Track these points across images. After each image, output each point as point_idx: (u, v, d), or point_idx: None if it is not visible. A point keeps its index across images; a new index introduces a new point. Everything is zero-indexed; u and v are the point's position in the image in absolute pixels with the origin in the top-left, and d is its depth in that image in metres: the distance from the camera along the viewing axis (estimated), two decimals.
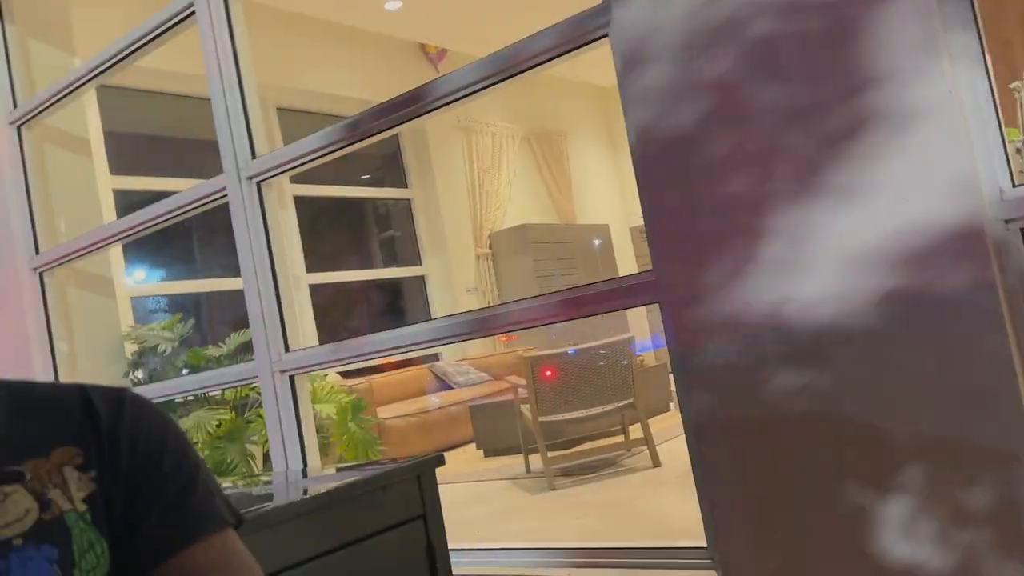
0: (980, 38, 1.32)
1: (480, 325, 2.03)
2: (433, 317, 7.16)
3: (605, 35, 1.68)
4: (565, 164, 8.85)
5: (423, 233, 7.59)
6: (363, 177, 7.58)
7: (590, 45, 1.75)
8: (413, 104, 2.05)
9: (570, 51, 1.78)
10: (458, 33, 7.06)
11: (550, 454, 4.16)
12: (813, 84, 1.45)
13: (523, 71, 1.87)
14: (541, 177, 8.63)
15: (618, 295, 1.76)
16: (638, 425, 4.24)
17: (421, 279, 7.57)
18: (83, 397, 0.68)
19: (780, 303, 1.47)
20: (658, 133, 1.60)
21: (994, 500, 1.29)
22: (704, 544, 1.64)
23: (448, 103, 2.01)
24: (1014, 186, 1.28)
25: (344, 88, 6.54)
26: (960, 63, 1.31)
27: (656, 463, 4.11)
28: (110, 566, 0.63)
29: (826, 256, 1.43)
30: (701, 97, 1.54)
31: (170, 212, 2.62)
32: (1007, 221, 1.27)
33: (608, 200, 9.29)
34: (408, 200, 7.64)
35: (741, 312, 1.51)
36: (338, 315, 6.97)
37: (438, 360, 7.09)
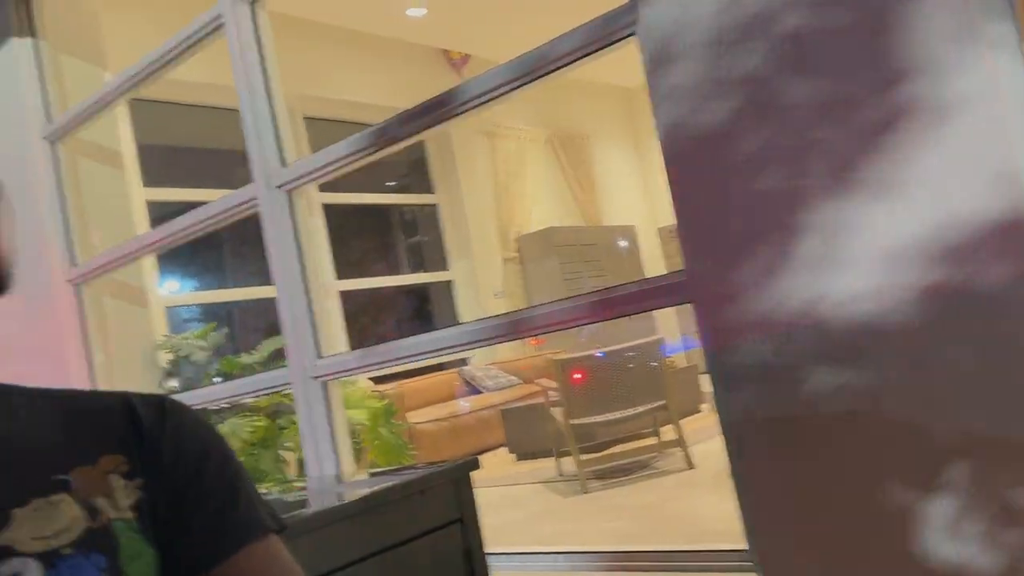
0: (1016, 26, 1.29)
1: (511, 328, 2.02)
2: (461, 321, 7.17)
3: (632, 34, 1.67)
4: (589, 166, 8.83)
5: (449, 238, 7.61)
6: (388, 184, 7.62)
7: (617, 44, 1.74)
8: (440, 109, 2.06)
9: (597, 51, 1.77)
10: (481, 38, 7.07)
11: (582, 457, 4.15)
12: (846, 77, 1.43)
13: (550, 72, 1.86)
14: (566, 179, 8.62)
15: (649, 296, 1.74)
16: (670, 427, 4.21)
17: (448, 284, 7.58)
18: (126, 403, 0.69)
19: (816, 301, 1.45)
20: (688, 131, 1.58)
21: None
22: (744, 547, 1.62)
23: (475, 107, 2.01)
24: None
25: (368, 95, 6.59)
26: (999, 52, 1.28)
27: (690, 465, 4.08)
28: (157, 574, 0.63)
29: (863, 252, 1.41)
30: (731, 93, 1.53)
31: (202, 222, 2.65)
32: None
33: (633, 201, 9.25)
34: (434, 205, 7.66)
35: (776, 310, 1.49)
36: (366, 321, 7.01)
37: (467, 364, 7.09)
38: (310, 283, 2.41)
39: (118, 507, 0.62)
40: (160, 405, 0.70)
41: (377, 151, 2.21)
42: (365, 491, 1.36)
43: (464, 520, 1.39)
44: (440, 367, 6.74)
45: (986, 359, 1.31)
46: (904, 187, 1.37)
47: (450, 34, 7.08)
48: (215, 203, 2.60)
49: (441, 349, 2.17)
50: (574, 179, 8.63)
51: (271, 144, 2.39)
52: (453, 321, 7.31)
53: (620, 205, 9.02)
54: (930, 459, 1.37)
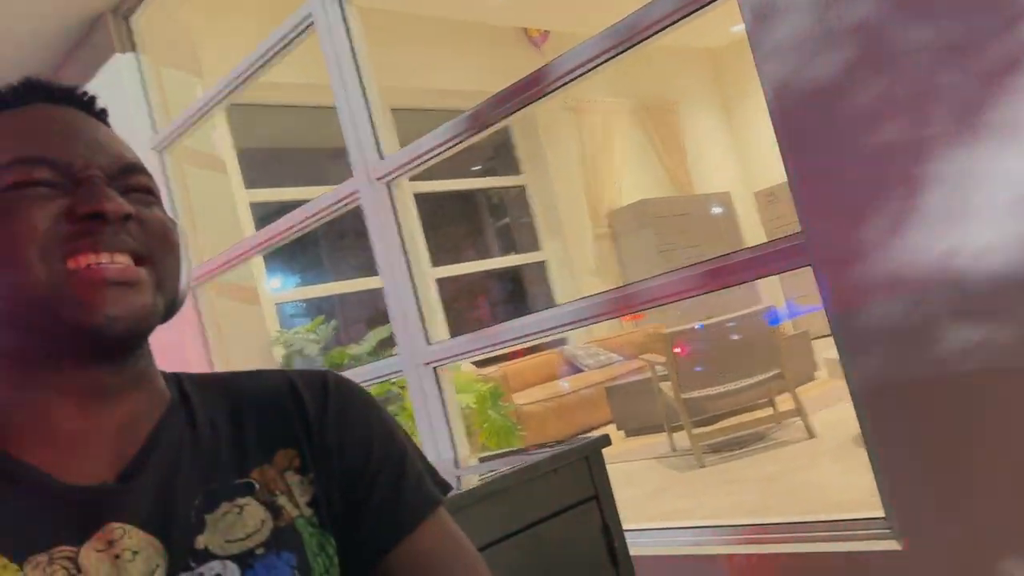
0: None
1: (619, 304, 2.00)
2: (556, 302, 7.16)
3: None
4: (678, 134, 8.61)
5: (540, 218, 7.58)
6: (474, 168, 7.65)
7: (714, 4, 1.68)
8: (531, 88, 2.04)
9: (692, 12, 1.72)
10: (559, 13, 6.99)
11: (695, 431, 4.08)
12: (965, 18, 1.34)
13: (642, 40, 1.82)
14: (654, 150, 8.44)
15: (765, 261, 1.68)
16: (786, 396, 4.09)
17: (541, 264, 7.57)
18: (290, 385, 0.68)
19: (949, 254, 1.37)
20: (798, 87, 1.52)
21: None
22: (881, 514, 1.56)
23: (567, 83, 1.98)
24: None
25: (452, 82, 6.61)
26: None
27: (811, 434, 3.95)
28: (339, 563, 0.64)
29: (997, 199, 1.32)
30: (842, 44, 1.45)
31: (307, 219, 2.72)
32: None
33: (727, 166, 8.98)
34: (522, 187, 7.65)
35: (905, 268, 1.42)
36: (462, 306, 7.09)
37: (566, 344, 7.09)
38: (415, 272, 2.44)
39: (297, 504, 0.63)
40: (323, 384, 0.69)
41: (470, 136, 2.21)
42: (499, 472, 1.36)
43: (599, 497, 1.37)
44: (537, 349, 6.75)
45: None
46: None
47: (528, 11, 7.03)
48: (319, 199, 2.66)
49: (548, 329, 2.17)
50: (663, 148, 8.44)
51: (368, 138, 2.43)
52: (549, 302, 7.30)
53: (713, 172, 8.76)
54: None
